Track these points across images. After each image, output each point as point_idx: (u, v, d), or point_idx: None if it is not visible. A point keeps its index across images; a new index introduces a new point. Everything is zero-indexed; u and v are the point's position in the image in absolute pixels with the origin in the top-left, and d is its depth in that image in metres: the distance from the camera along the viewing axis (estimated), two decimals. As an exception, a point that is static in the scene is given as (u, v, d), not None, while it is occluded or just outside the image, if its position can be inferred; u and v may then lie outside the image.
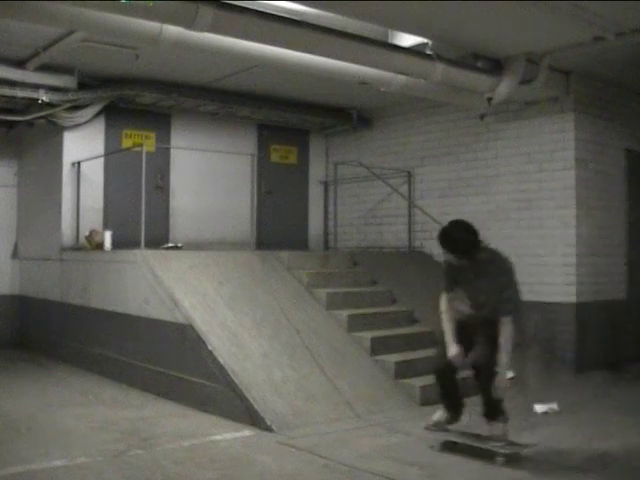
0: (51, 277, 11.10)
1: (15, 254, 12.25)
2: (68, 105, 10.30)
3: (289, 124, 12.87)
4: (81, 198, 10.83)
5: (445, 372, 6.17)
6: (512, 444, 5.93)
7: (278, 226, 12.73)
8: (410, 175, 12.09)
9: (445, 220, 10.47)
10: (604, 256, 10.31)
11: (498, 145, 10.83)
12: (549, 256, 10.06)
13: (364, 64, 8.27)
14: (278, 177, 12.95)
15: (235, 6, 6.75)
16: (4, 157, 12.19)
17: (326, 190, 13.55)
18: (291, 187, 13.14)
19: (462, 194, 11.27)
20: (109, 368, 9.30)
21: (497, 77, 8.77)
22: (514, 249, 10.40)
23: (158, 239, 10.66)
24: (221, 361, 7.35)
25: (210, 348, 7.50)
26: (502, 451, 5.81)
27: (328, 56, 7.94)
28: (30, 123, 10.77)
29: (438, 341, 6.42)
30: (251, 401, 6.93)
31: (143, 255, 8.88)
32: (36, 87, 9.81)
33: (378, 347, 8.41)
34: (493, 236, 10.63)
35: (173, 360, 8.12)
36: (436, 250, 11.40)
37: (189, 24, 6.57)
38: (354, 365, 8.07)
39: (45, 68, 9.69)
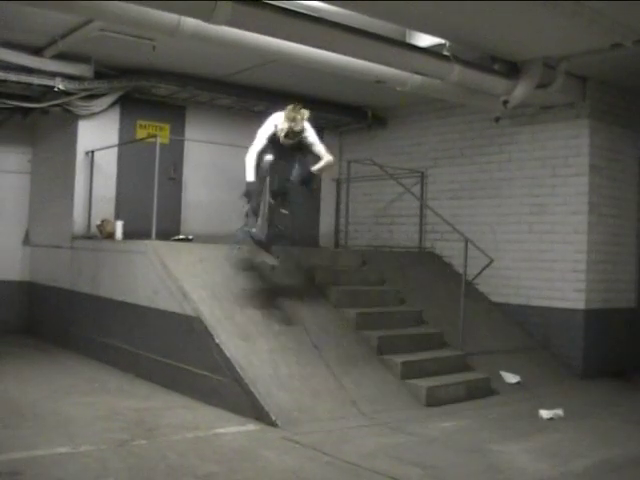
0: (61, 265, 11.14)
1: (26, 241, 12.30)
2: (84, 94, 10.33)
3: (304, 120, 12.84)
4: (94, 187, 10.86)
5: None
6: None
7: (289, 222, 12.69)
8: (423, 176, 12.07)
9: (456, 222, 10.57)
10: (615, 264, 10.28)
11: (512, 149, 10.80)
12: (559, 262, 10.03)
13: (381, 63, 8.26)
14: (291, 173, 12.92)
15: (254, 0, 6.74)
16: (18, 144, 12.25)
17: (338, 188, 13.54)
18: (303, 184, 13.11)
19: (474, 196, 11.25)
20: (116, 357, 9.33)
21: (513, 80, 8.74)
22: (525, 253, 10.45)
23: (169, 231, 10.66)
24: (228, 354, 7.36)
25: (217, 341, 7.51)
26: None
27: (345, 54, 7.92)
28: (45, 111, 10.78)
29: None
30: (256, 395, 6.94)
31: (153, 246, 8.90)
32: (52, 75, 9.84)
33: (385, 346, 8.40)
34: (504, 240, 10.69)
35: (180, 352, 8.14)
36: (447, 251, 11.44)
37: (207, 17, 6.57)
38: (361, 364, 8.06)
39: (62, 56, 9.71)
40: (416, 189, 11.91)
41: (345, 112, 12.72)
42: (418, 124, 12.36)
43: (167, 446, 5.96)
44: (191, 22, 7.01)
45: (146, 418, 6.85)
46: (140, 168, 10.86)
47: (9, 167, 12.21)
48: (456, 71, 8.34)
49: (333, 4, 7.32)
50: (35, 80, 9.77)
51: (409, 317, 9.41)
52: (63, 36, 9.05)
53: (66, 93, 10.16)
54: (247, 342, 7.65)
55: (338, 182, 13.53)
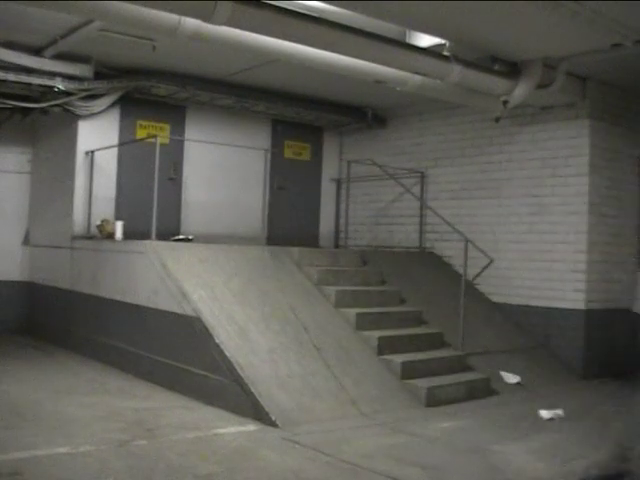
0: (61, 265, 11.13)
1: (26, 241, 12.30)
2: (84, 94, 10.32)
3: (304, 120, 12.86)
4: (94, 187, 10.85)
5: None
6: None
7: (289, 222, 12.71)
8: (423, 176, 12.07)
9: (456, 222, 10.57)
10: (615, 264, 10.26)
11: (512, 149, 10.80)
12: (559, 262, 10.02)
13: (381, 63, 8.25)
14: (291, 173, 12.95)
15: (253, 1, 6.74)
16: (18, 144, 12.25)
17: (338, 188, 13.54)
18: (304, 184, 13.15)
19: (474, 197, 11.24)
20: (116, 358, 9.33)
21: (514, 80, 8.75)
22: (525, 253, 10.44)
23: (169, 231, 10.67)
24: (228, 355, 7.36)
25: (217, 341, 7.51)
26: None
27: (345, 54, 7.93)
28: (45, 111, 10.76)
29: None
30: (256, 396, 6.94)
31: (153, 246, 8.90)
32: (52, 75, 9.83)
33: (385, 347, 8.40)
34: (504, 240, 10.69)
35: (180, 352, 8.14)
36: (447, 251, 11.43)
37: (207, 17, 6.57)
38: (361, 364, 8.06)
39: (62, 56, 9.71)
40: (416, 189, 11.91)
41: (345, 112, 12.72)
42: (418, 124, 12.35)
43: (167, 446, 5.95)
44: (191, 22, 7.01)
45: (146, 418, 6.85)
46: (140, 168, 10.84)
47: (9, 167, 12.21)
48: (456, 71, 8.34)
49: (333, 4, 7.32)
50: (35, 80, 9.76)
51: (409, 317, 9.40)
52: (63, 36, 9.05)
53: (66, 93, 10.15)
54: (247, 342, 7.65)
55: (338, 182, 13.53)
